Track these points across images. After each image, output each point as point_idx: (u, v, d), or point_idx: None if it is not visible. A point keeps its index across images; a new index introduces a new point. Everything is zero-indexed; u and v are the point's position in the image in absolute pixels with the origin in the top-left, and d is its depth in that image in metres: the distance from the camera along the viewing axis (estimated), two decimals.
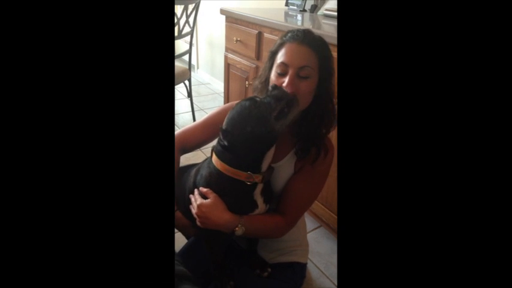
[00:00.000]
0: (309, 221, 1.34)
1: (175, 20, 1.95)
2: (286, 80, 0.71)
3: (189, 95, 2.32)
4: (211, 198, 0.71)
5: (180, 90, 2.94)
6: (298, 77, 0.71)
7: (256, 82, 0.81)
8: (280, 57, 0.73)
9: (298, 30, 0.73)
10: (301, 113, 0.75)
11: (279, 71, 0.73)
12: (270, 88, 0.71)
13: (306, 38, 0.72)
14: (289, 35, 0.74)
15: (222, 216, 0.70)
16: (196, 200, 0.74)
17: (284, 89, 0.69)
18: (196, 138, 0.87)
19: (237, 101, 0.91)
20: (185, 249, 0.92)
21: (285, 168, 0.79)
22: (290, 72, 0.71)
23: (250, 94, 1.74)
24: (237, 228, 0.71)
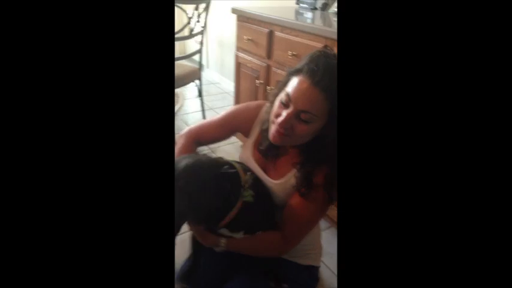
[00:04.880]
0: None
1: (187, 20, 1.95)
2: (282, 117, 0.67)
3: (200, 94, 2.33)
4: None
5: (190, 89, 2.95)
6: (297, 118, 0.66)
7: (274, 91, 0.77)
8: (290, 85, 0.68)
9: (318, 62, 0.64)
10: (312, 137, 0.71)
11: (283, 100, 0.68)
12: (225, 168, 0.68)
13: (323, 79, 0.63)
14: (308, 65, 0.66)
15: (203, 235, 0.75)
16: None
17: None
18: (210, 135, 0.88)
19: (250, 102, 0.90)
20: (186, 268, 0.91)
21: (284, 186, 0.78)
22: (290, 110, 0.66)
23: (260, 93, 1.74)
24: (218, 246, 0.74)
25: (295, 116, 0.66)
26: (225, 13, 2.89)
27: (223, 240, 0.72)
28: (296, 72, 0.68)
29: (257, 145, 0.83)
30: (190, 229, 0.79)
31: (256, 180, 0.77)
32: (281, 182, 0.78)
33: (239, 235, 0.73)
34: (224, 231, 0.72)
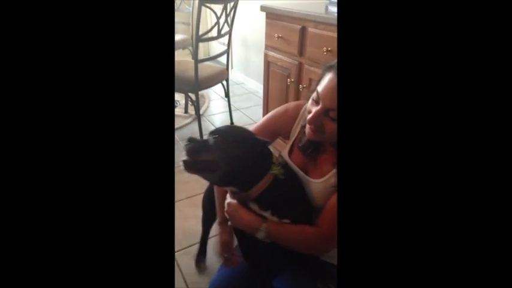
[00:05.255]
0: None
1: (215, 20, 1.94)
2: (310, 114, 0.68)
3: (227, 95, 2.32)
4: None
5: (216, 90, 2.96)
6: (326, 115, 0.66)
7: (312, 87, 0.76)
8: (322, 82, 0.67)
9: None
10: None
11: (314, 97, 0.68)
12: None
13: None
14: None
15: (244, 216, 0.74)
16: (228, 197, 0.77)
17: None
18: None
19: (291, 103, 0.88)
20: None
21: (324, 185, 0.76)
22: (318, 107, 0.67)
23: (291, 92, 1.70)
24: (258, 231, 0.73)
25: (323, 114, 0.66)
26: (249, 12, 2.88)
27: (264, 224, 0.72)
28: (329, 68, 0.67)
29: (297, 143, 0.82)
30: (233, 220, 0.77)
31: (287, 166, 0.78)
32: (321, 181, 0.76)
33: (267, 214, 0.74)
34: (255, 207, 0.74)
